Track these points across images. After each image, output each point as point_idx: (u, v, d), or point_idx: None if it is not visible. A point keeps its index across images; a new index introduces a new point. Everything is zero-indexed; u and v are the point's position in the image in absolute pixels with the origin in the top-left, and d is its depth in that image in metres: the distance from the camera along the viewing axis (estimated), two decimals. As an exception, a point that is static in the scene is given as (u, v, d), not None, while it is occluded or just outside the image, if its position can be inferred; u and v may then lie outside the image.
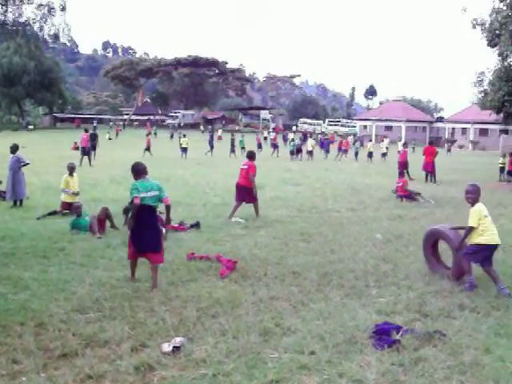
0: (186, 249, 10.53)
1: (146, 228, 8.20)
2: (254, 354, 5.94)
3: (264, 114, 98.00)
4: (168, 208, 8.57)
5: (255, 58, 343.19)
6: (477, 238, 8.29)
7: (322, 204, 17.05)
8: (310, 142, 42.13)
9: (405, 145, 28.91)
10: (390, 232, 12.85)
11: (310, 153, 40.50)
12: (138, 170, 8.35)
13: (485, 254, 8.33)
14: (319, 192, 18.48)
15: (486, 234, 8.29)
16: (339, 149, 43.51)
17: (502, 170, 29.63)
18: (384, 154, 41.88)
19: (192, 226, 12.79)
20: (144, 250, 8.32)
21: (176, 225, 12.56)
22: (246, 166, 14.40)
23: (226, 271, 8.99)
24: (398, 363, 5.77)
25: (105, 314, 7.05)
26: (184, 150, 36.81)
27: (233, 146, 41.01)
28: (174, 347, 5.99)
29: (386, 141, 46.06)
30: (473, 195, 8.49)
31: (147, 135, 43.83)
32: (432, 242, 9.50)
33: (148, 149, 37.64)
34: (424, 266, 9.66)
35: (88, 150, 29.62)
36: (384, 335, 6.34)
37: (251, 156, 14.87)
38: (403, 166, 23.29)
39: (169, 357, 5.84)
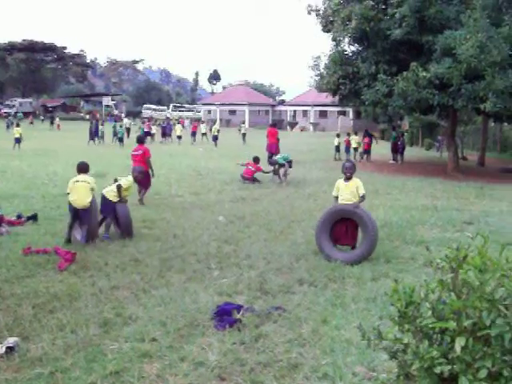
0: (23, 243, 9.91)
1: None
2: (94, 346, 5.75)
3: (106, 100, 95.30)
4: None
5: (97, 43, 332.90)
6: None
7: (166, 189, 16.92)
8: (179, 127, 43.81)
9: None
10: (232, 214, 13.04)
11: (179, 137, 42.21)
12: None
13: None
14: (163, 178, 18.28)
15: None
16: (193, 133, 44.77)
17: (336, 148, 31.71)
18: (215, 138, 41.72)
19: (29, 219, 12.10)
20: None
21: (13, 218, 11.85)
22: (140, 151, 14.76)
23: (64, 264, 8.60)
24: (239, 342, 5.84)
25: None
26: (17, 140, 34.91)
27: (96, 132, 40.12)
28: (7, 348, 5.63)
29: (217, 124, 47.05)
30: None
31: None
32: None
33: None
34: (265, 245, 9.91)
35: None
36: (225, 315, 6.39)
37: (142, 140, 15.58)
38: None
39: (1, 359, 5.48)
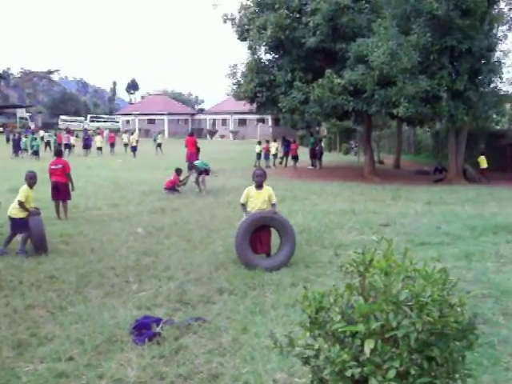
0: None
1: None
2: (7, 370, 5.51)
3: (21, 112, 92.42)
4: None
5: (9, 53, 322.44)
6: None
7: (83, 203, 16.53)
8: (99, 138, 43.43)
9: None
10: (151, 225, 12.88)
11: (99, 149, 41.76)
12: None
13: None
14: (80, 191, 17.83)
15: None
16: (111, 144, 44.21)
17: (258, 156, 32.10)
18: (134, 148, 41.00)
19: None
20: None
21: None
22: (60, 165, 14.65)
23: (-26, 284, 8.26)
24: (158, 355, 5.74)
25: None
26: None
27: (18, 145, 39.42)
28: None
29: (136, 133, 46.59)
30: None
31: None
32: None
33: None
34: (184, 256, 9.83)
35: None
36: (144, 329, 6.28)
37: (60, 153, 15.92)
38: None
39: None
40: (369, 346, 2.71)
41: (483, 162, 26.08)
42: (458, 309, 2.79)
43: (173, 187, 18.89)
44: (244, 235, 9.18)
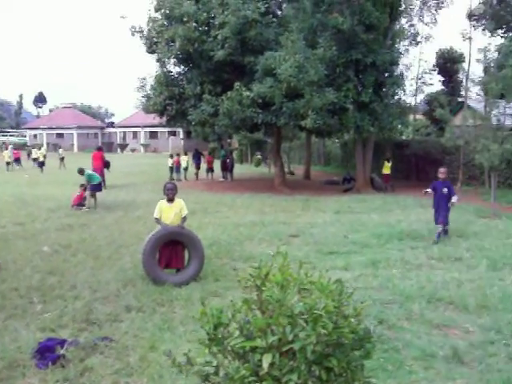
0: None
1: None
2: None
3: None
4: None
5: None
6: None
7: (-14, 221, 15.87)
8: (6, 153, 41.85)
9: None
10: (58, 243, 12.48)
11: (8, 164, 40.55)
12: None
13: None
14: (-18, 209, 17.15)
15: None
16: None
17: (171, 169, 31.97)
18: (42, 163, 40.04)
19: None
20: None
21: None
22: None
23: None
24: (63, 379, 5.55)
25: None
26: None
27: None
28: None
29: (43, 148, 45.41)
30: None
31: None
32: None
33: None
34: (92, 273, 9.59)
35: None
36: (48, 352, 6.05)
37: None
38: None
39: None
40: (267, 360, 2.71)
41: (387, 168, 26.93)
42: (352, 319, 2.83)
43: (80, 203, 18.42)
44: (151, 251, 9.05)
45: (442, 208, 12.91)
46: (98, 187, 19.19)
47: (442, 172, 13.32)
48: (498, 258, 10.46)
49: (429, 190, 13.37)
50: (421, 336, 6.44)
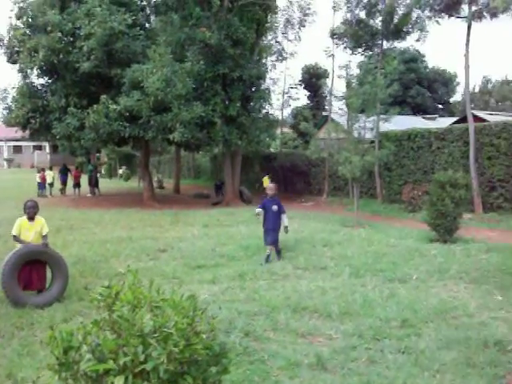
0: None
1: None
2: None
3: None
4: None
5: None
6: None
7: None
8: None
9: None
10: None
11: None
12: None
13: None
14: None
15: None
16: None
17: (39, 185, 30.80)
18: None
19: None
20: None
21: None
22: None
23: None
24: None
25: None
26: None
27: None
28: None
29: None
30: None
31: None
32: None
33: None
34: None
35: None
36: None
37: None
38: None
39: None
40: (119, 382, 2.61)
41: (266, 183, 27.62)
42: (204, 335, 2.79)
43: None
44: (11, 272, 8.53)
45: (271, 227, 11.81)
46: None
47: (270, 188, 12.23)
48: (360, 265, 10.86)
49: (258, 209, 12.06)
50: (286, 346, 6.52)
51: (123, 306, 2.73)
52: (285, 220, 11.96)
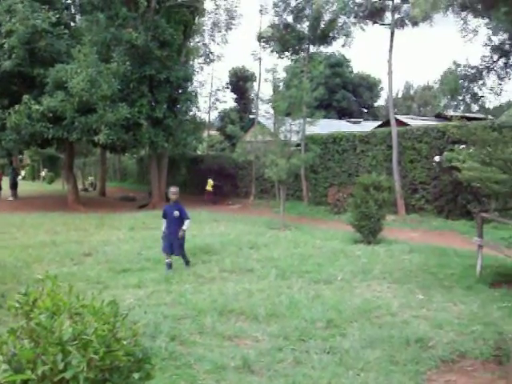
0: None
1: None
2: None
3: None
4: None
5: None
6: None
7: None
8: None
9: None
10: None
11: None
12: None
13: None
14: None
15: None
16: None
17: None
18: None
19: None
20: None
21: None
22: None
23: None
24: None
25: None
26: None
27: None
28: None
29: None
30: None
31: None
32: None
33: None
34: None
35: None
36: None
37: None
38: None
39: None
40: (37, 392, 2.53)
41: (209, 186, 27.81)
42: (125, 341, 2.75)
43: None
44: None
45: (175, 235, 10.92)
46: None
47: (173, 192, 11.15)
48: (286, 267, 10.94)
49: (164, 220, 11.24)
50: (213, 349, 6.49)
51: (41, 313, 2.65)
52: (186, 224, 11.03)
